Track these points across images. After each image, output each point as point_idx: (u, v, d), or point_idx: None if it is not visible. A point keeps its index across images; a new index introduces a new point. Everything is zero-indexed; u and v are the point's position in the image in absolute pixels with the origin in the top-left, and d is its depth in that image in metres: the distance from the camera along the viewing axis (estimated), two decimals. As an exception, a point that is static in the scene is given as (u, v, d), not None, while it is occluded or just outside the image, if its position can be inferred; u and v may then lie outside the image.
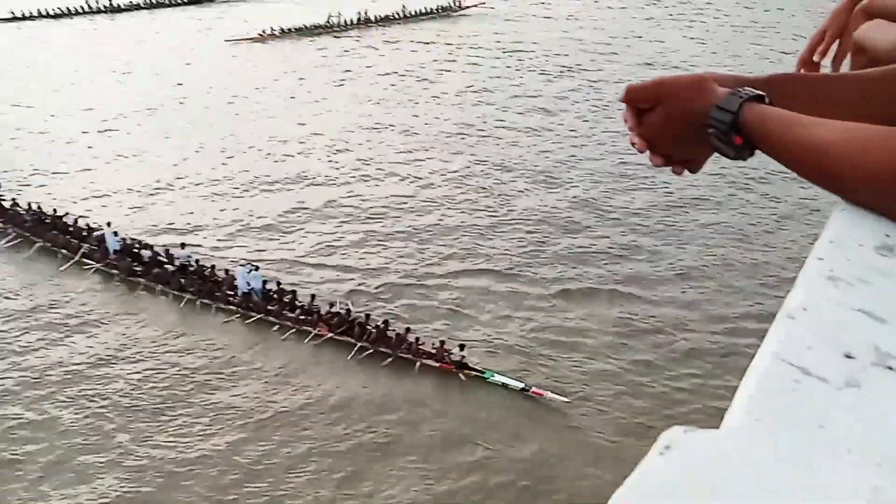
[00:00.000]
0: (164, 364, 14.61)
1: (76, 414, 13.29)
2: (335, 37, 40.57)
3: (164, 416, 13.21)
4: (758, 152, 0.93)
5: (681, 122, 0.99)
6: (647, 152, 1.04)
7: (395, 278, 17.43)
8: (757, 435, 0.52)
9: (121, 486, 11.79)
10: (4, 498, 11.61)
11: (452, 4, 46.69)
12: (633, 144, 1.05)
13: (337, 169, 23.68)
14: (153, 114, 28.77)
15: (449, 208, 20.89)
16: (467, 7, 47.07)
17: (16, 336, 15.46)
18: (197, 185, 22.55)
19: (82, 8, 43.92)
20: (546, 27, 43.27)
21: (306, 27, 40.33)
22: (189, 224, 20.09)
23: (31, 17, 42.23)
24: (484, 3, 47.28)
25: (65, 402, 13.59)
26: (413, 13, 44.44)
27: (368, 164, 23.90)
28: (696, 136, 0.97)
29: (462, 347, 14.29)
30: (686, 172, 1.08)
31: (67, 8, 43.45)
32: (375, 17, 42.76)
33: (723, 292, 16.79)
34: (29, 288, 17.17)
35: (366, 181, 22.85)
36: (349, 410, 13.37)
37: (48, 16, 42.66)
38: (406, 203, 21.25)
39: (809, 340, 0.61)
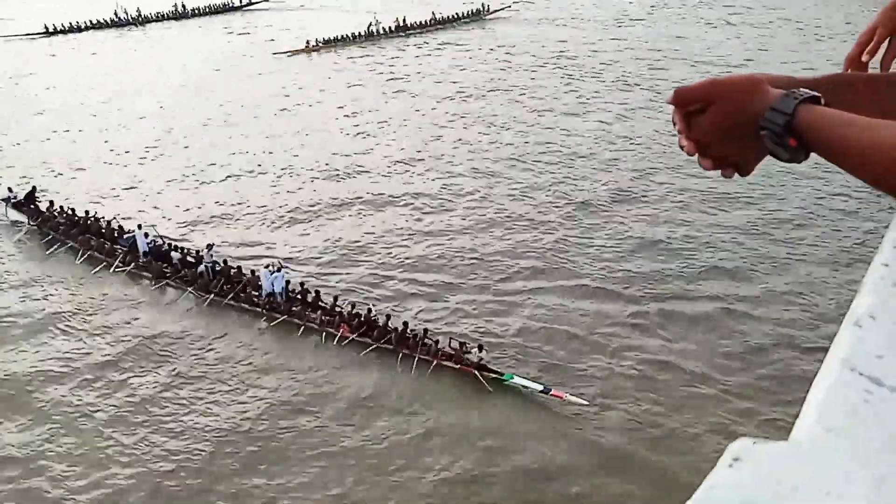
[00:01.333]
0: (187, 363, 14.91)
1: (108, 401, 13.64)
2: (379, 46, 40.61)
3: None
4: (812, 154, 0.91)
5: (732, 125, 0.97)
6: (697, 155, 1.02)
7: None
8: (829, 447, 0.50)
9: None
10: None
11: (482, 9, 47.13)
12: (682, 148, 1.03)
13: (420, 184, 23.17)
14: (205, 129, 28.60)
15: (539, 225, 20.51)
16: (495, 11, 47.69)
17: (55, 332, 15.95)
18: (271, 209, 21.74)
19: (111, 20, 44.51)
20: (578, 30, 43.43)
21: (348, 36, 40.39)
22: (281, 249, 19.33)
23: (64, 31, 42.71)
24: (509, 7, 48.01)
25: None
26: (445, 18, 44.85)
27: (451, 180, 23.43)
28: (749, 138, 0.95)
29: (480, 348, 14.26)
30: (736, 175, 1.05)
31: (98, 20, 44.08)
32: (412, 24, 43.07)
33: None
34: (61, 285, 17.72)
35: (449, 195, 22.42)
36: (363, 408, 13.51)
37: (79, 29, 43.21)
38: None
39: (880, 349, 0.58)
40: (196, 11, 47.41)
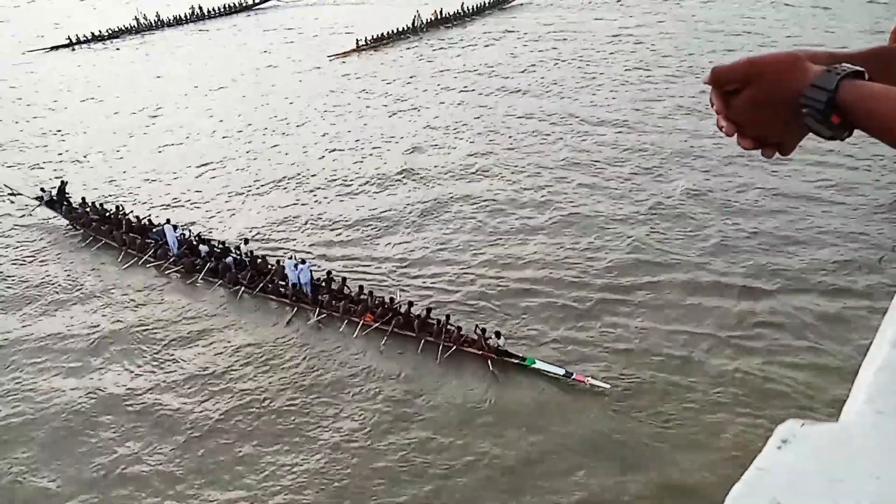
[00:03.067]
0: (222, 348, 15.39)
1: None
2: (427, 42, 39.84)
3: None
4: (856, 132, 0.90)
5: (772, 103, 0.95)
6: (736, 136, 1.01)
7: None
8: (880, 429, 0.49)
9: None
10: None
11: None
12: (720, 128, 1.01)
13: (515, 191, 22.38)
14: (272, 141, 27.55)
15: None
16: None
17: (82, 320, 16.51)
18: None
19: (131, 27, 44.11)
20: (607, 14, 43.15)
21: (393, 32, 39.70)
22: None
23: (87, 41, 42.20)
24: None
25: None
26: (472, 9, 44.60)
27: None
28: (789, 116, 0.93)
29: (498, 335, 14.46)
30: (777, 155, 1.03)
31: (119, 27, 43.67)
32: (448, 15, 42.66)
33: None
34: (93, 275, 18.31)
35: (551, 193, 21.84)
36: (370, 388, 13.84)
37: (102, 38, 42.67)
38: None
39: None
40: (212, 13, 47.47)
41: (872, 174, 21.33)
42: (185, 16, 46.15)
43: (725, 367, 13.94)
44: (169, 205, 22.42)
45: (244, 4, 49.72)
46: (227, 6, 48.57)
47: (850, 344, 14.08)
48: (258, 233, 20.25)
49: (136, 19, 44.18)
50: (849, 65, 0.90)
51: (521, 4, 47.44)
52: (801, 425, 0.49)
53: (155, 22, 44.76)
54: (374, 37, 38.30)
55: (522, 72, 33.62)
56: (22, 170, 25.71)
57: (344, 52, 37.13)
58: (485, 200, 21.33)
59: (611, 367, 14.14)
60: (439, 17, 42.22)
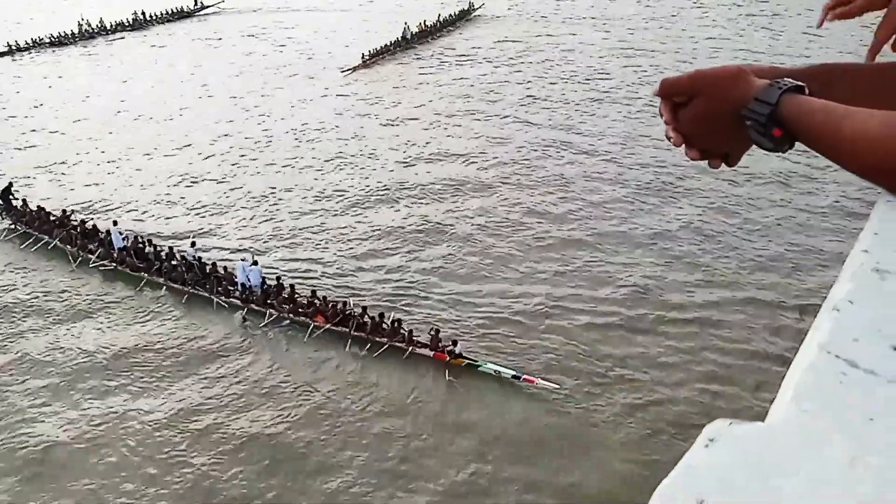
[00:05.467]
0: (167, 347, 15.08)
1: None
2: (416, 55, 38.65)
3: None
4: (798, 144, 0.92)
5: (718, 115, 0.97)
6: (684, 146, 1.03)
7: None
8: (805, 428, 0.51)
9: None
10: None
11: (468, 8, 47.04)
12: (668, 138, 1.03)
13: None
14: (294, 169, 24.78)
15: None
16: (477, 9, 47.88)
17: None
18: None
19: (74, 34, 41.75)
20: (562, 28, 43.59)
21: (389, 45, 38.27)
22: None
23: (28, 48, 39.54)
24: (483, 6, 47.91)
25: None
26: (445, 20, 44.15)
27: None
28: (734, 128, 0.95)
29: (455, 343, 14.51)
30: (723, 166, 1.05)
31: (61, 34, 41.06)
32: (431, 27, 42.10)
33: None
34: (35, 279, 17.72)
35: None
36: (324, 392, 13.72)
37: (43, 44, 40.10)
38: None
39: (857, 333, 0.59)
40: (155, 18, 45.77)
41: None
42: (128, 21, 44.45)
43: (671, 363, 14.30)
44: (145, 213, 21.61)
45: (188, 10, 48.37)
46: (171, 11, 47.18)
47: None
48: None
49: (80, 25, 42.26)
50: (790, 80, 0.93)
51: (481, 16, 47.52)
52: (728, 424, 0.51)
53: (99, 28, 43.04)
54: (376, 50, 36.95)
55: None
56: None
57: (354, 68, 35.40)
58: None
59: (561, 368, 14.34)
60: (425, 28, 41.62)
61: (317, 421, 13.14)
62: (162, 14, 46.42)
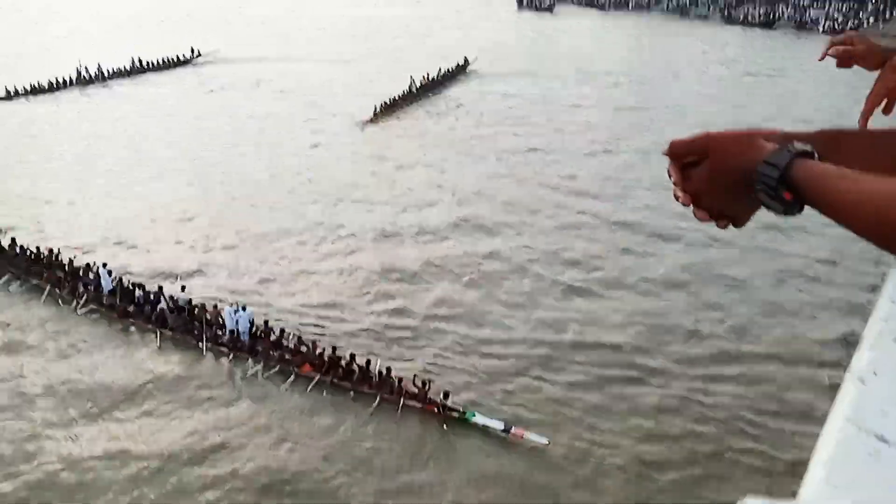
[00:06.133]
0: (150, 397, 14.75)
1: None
2: (429, 108, 38.68)
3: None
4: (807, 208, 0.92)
5: (727, 177, 0.98)
6: (692, 206, 1.04)
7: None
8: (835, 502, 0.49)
9: None
10: None
11: (462, 64, 47.81)
12: (677, 198, 1.05)
13: None
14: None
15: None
16: (469, 63, 48.74)
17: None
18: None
19: (72, 79, 41.60)
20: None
21: (398, 97, 38.04)
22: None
23: (26, 93, 39.03)
24: (470, 64, 48.69)
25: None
26: (446, 73, 44.81)
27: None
28: (743, 191, 0.96)
29: (446, 395, 14.33)
30: (731, 227, 1.06)
31: (60, 80, 40.96)
32: (433, 79, 42.45)
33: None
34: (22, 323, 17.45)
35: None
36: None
37: (43, 90, 39.80)
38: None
39: (884, 405, 0.58)
40: (152, 65, 46.04)
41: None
42: (126, 68, 44.82)
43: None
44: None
45: (184, 59, 48.96)
46: (168, 60, 47.81)
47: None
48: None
49: (78, 71, 42.46)
50: (800, 144, 0.94)
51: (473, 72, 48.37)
52: (760, 502, 0.49)
53: (97, 74, 43.40)
54: (390, 101, 37.01)
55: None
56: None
57: (372, 119, 35.41)
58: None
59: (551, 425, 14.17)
60: (430, 80, 42.19)
61: (299, 475, 12.84)
62: (159, 62, 46.91)
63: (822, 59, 1.28)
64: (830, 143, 1.03)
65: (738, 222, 1.05)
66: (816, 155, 0.93)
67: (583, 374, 15.69)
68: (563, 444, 13.57)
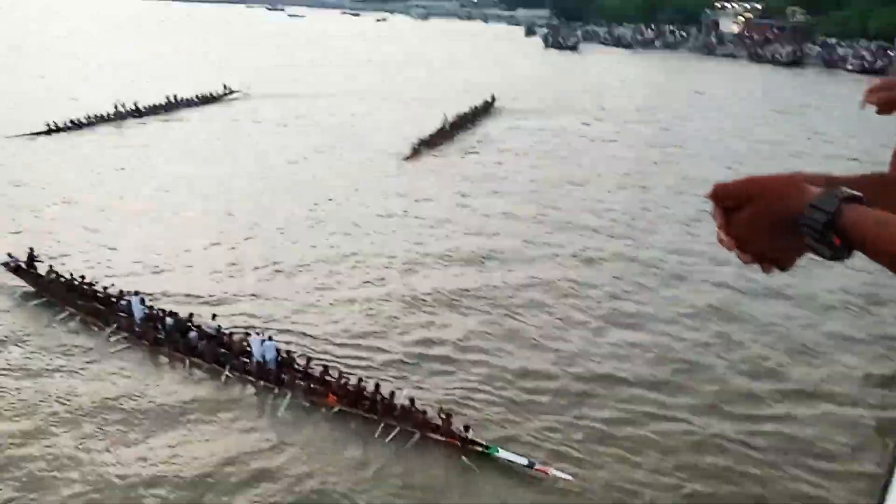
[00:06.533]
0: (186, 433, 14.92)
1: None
2: (463, 146, 39.15)
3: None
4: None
5: (772, 221, 0.97)
6: (736, 250, 1.03)
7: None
8: None
9: None
10: None
11: (489, 101, 48.55)
12: (720, 242, 1.03)
13: None
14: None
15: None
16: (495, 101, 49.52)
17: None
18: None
19: (109, 115, 42.86)
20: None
21: (433, 136, 38.83)
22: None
23: (67, 128, 40.10)
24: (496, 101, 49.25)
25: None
26: (475, 110, 45.57)
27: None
28: (787, 235, 0.95)
29: (467, 429, 14.29)
30: (776, 271, 1.05)
31: (97, 115, 42.17)
32: (465, 115, 43.39)
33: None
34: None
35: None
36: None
37: (80, 125, 40.96)
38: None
39: None
40: (185, 101, 47.68)
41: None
42: (161, 104, 46.28)
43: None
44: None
45: (216, 95, 50.44)
46: (200, 96, 49.31)
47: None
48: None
49: (115, 107, 43.91)
50: (847, 188, 0.93)
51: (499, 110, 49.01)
52: None
53: (132, 110, 44.85)
54: (424, 140, 37.79)
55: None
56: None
57: (410, 155, 36.11)
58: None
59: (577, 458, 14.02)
60: (461, 118, 42.96)
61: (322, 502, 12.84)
62: (192, 98, 48.43)
63: (864, 107, 1.24)
64: (875, 188, 1.01)
65: (784, 266, 1.03)
66: (864, 200, 0.92)
67: (617, 410, 15.58)
68: (598, 481, 13.40)
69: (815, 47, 78.40)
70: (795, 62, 72.93)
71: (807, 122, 46.13)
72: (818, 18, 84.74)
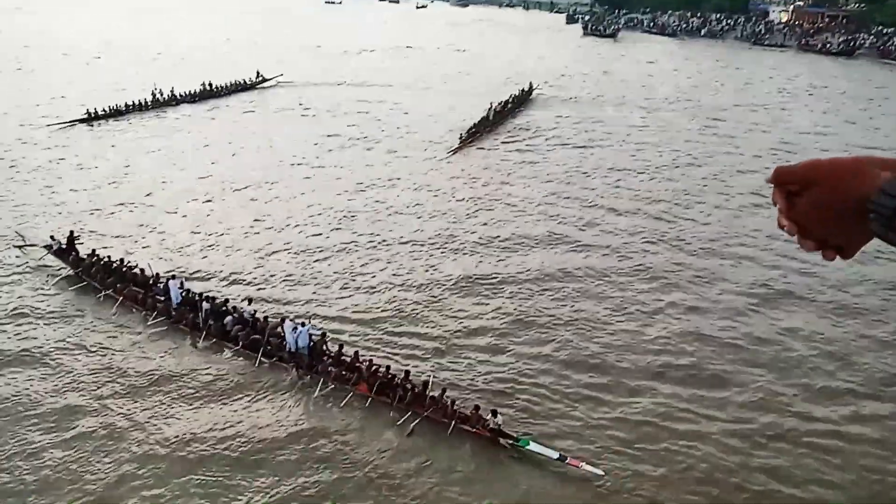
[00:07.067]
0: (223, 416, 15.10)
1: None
2: (511, 134, 38.68)
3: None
4: None
5: (836, 207, 0.93)
6: (797, 236, 1.00)
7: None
8: None
9: None
10: None
11: (527, 89, 47.84)
12: (782, 227, 1.01)
13: None
14: None
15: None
16: (534, 89, 48.84)
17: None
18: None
19: (147, 102, 43.33)
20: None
21: (476, 126, 38.18)
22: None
23: (105, 116, 40.60)
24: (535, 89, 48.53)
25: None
26: (516, 99, 45.03)
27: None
28: (853, 220, 0.92)
29: (495, 414, 14.13)
30: (837, 258, 1.02)
31: (136, 102, 42.76)
32: (506, 103, 42.86)
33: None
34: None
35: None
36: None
37: (119, 112, 41.40)
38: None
39: None
40: (220, 89, 47.90)
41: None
42: (196, 92, 46.63)
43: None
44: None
45: (250, 83, 50.73)
46: (234, 83, 49.60)
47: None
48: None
49: (153, 94, 44.40)
50: None
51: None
52: None
53: (169, 97, 45.33)
54: (468, 129, 37.16)
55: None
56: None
57: (457, 148, 35.41)
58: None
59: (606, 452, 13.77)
60: (504, 107, 42.36)
61: (351, 490, 12.85)
62: (226, 86, 48.79)
63: None
64: None
65: (847, 253, 1.00)
66: None
67: (664, 405, 15.29)
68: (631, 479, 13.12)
69: (869, 37, 75.53)
70: (847, 52, 70.36)
71: (860, 112, 44.59)
72: (872, 7, 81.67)
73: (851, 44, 71.96)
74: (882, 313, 19.66)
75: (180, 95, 45.75)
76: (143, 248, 23.26)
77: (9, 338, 17.79)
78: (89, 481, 12.99)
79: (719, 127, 40.59)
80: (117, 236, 24.16)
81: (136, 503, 12.53)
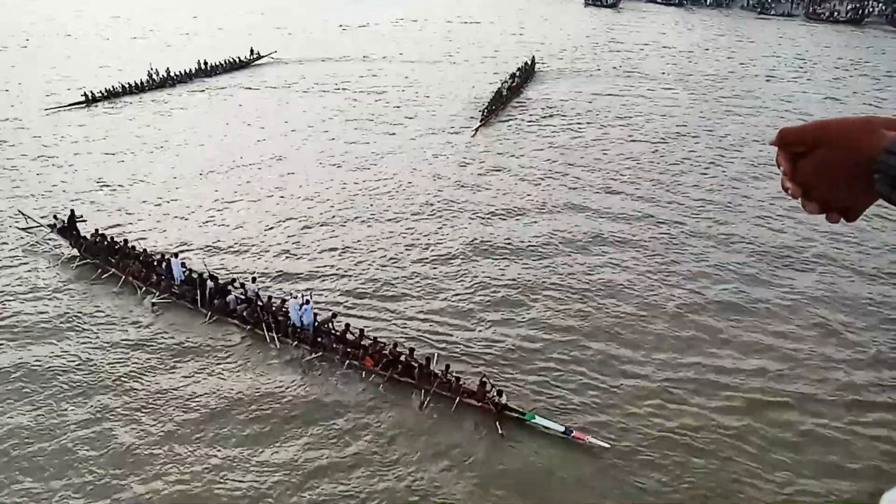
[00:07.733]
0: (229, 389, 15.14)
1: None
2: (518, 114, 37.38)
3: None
4: None
5: (842, 168, 0.92)
6: (801, 199, 0.98)
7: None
8: None
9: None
10: None
11: (531, 63, 47.11)
12: (785, 190, 0.99)
13: None
14: None
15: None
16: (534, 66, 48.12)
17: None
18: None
19: (144, 83, 42.61)
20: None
21: (489, 106, 37.16)
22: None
23: (104, 97, 40.01)
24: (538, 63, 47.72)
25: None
26: (523, 73, 44.33)
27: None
28: (858, 181, 0.91)
29: (501, 393, 14.12)
30: (841, 220, 1.00)
31: (134, 83, 42.08)
32: (516, 78, 42.23)
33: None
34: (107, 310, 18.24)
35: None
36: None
37: (117, 94, 40.77)
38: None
39: None
40: (213, 68, 46.88)
41: None
42: (192, 70, 45.87)
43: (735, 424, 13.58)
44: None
45: (244, 60, 49.88)
46: (227, 62, 48.68)
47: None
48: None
49: (150, 75, 43.80)
50: None
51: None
52: None
53: (166, 77, 44.64)
54: (484, 108, 36.34)
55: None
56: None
57: (478, 127, 34.49)
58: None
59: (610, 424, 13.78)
60: (512, 82, 41.49)
61: (358, 463, 12.91)
62: (220, 64, 47.93)
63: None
64: None
65: (851, 216, 0.98)
66: None
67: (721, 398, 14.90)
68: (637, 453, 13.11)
69: (878, 5, 74.33)
70: (856, 20, 69.26)
71: (868, 81, 44.04)
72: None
73: (860, 12, 70.84)
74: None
75: (177, 74, 45.13)
76: (151, 228, 23.14)
77: (16, 312, 18.00)
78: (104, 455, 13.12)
79: (724, 98, 40.07)
80: (119, 211, 24.15)
81: (148, 479, 12.63)
